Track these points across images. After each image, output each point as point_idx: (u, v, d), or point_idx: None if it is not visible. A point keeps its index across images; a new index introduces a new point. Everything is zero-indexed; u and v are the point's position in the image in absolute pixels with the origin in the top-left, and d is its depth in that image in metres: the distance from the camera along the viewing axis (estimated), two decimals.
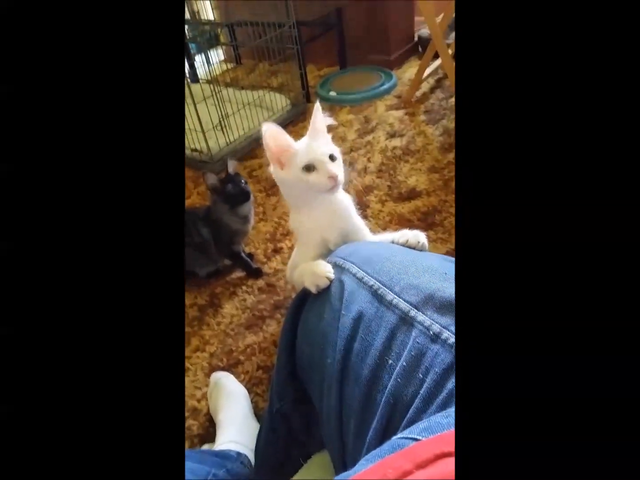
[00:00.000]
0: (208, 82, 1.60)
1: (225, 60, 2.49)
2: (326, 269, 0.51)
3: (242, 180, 1.10)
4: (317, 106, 0.61)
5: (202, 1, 1.98)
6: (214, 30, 2.20)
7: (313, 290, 0.51)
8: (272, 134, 0.59)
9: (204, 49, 2.15)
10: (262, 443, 0.64)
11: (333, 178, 0.58)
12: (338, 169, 0.60)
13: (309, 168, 0.58)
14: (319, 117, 0.61)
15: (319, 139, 0.61)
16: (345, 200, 0.66)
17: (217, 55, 2.31)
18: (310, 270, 0.52)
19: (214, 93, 1.56)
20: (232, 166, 1.11)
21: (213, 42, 2.19)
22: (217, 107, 1.59)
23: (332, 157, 0.60)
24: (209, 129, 1.57)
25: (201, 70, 2.17)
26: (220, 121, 1.62)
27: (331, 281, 0.50)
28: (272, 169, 0.62)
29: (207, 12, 2.19)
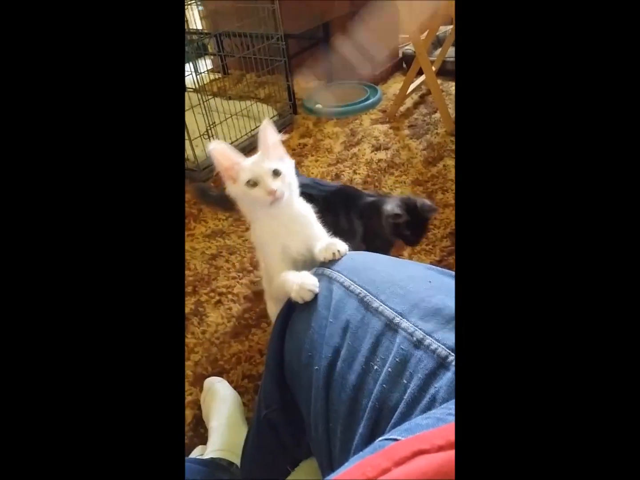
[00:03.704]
0: (195, 90, 1.61)
1: (213, 70, 2.50)
2: (311, 282, 0.53)
3: None
4: (267, 122, 0.64)
5: (190, 10, 1.99)
6: (201, 39, 2.21)
7: (299, 301, 0.52)
8: (221, 151, 0.62)
9: (191, 58, 2.15)
10: (249, 449, 0.64)
11: (272, 193, 0.60)
12: (280, 184, 0.62)
13: (251, 183, 0.62)
14: (269, 133, 0.64)
15: (268, 154, 0.63)
16: (303, 209, 0.68)
17: (205, 65, 2.32)
18: (296, 282, 0.53)
19: (201, 102, 1.57)
20: None
21: (201, 52, 2.20)
22: (204, 116, 1.60)
23: (276, 173, 0.62)
24: (196, 137, 1.58)
25: (188, 79, 2.18)
26: (207, 130, 1.62)
27: (316, 295, 0.52)
28: (227, 184, 0.65)
29: (196, 22, 2.20)
